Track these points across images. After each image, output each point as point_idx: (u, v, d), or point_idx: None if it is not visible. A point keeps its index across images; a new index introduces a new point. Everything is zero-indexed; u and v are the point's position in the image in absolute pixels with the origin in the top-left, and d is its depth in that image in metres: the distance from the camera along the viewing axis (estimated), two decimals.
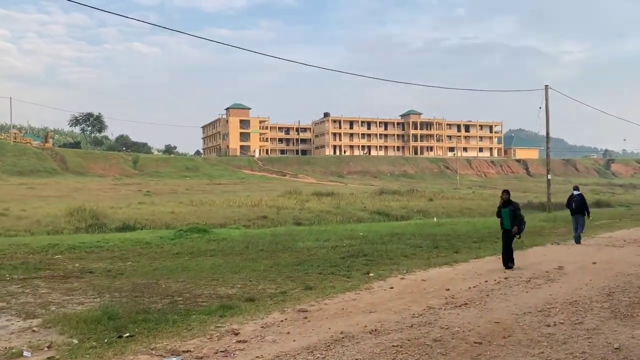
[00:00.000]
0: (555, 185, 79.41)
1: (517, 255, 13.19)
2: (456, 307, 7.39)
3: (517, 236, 11.15)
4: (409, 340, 5.73)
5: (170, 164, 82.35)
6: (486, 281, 9.38)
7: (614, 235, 17.58)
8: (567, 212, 16.66)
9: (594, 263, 11.23)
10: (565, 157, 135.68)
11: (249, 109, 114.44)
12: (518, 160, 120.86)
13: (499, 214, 11.31)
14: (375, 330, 6.21)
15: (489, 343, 5.51)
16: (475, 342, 5.54)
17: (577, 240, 15.48)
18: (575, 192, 16.07)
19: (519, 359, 5.00)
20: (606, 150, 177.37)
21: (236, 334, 6.07)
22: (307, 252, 13.92)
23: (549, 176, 31.71)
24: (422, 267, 11.35)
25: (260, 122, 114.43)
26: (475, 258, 12.68)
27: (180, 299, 8.18)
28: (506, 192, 11.39)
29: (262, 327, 6.45)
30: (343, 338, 5.93)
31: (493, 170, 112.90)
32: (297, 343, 5.78)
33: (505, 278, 9.61)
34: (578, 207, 15.62)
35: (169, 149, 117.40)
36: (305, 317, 6.97)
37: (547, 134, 30.54)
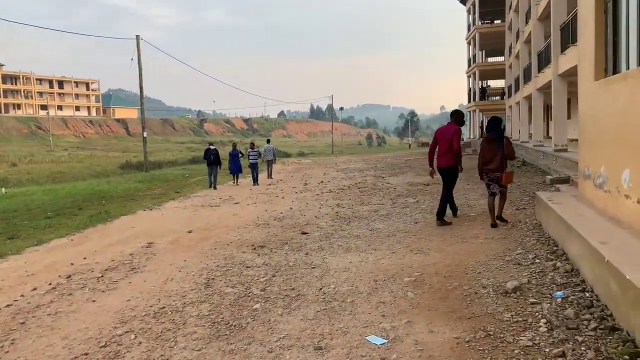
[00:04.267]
0: (155, 145, 79.74)
1: (96, 230, 10.18)
2: None
3: None
4: None
5: None
6: (35, 289, 5.97)
7: (210, 194, 16.62)
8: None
9: (190, 232, 9.24)
10: (163, 116, 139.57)
11: None
12: (118, 120, 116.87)
13: None
14: None
15: None
16: None
17: (214, 186, 18.06)
18: (212, 147, 19.11)
19: None
20: (199, 111, 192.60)
21: None
22: None
23: (145, 134, 29.63)
24: None
25: None
26: (35, 244, 8.95)
27: None
28: None
29: None
30: None
31: (92, 130, 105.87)
32: None
33: (68, 277, 6.43)
34: (215, 159, 18.46)
35: None
36: None
37: (141, 86, 28.07)
